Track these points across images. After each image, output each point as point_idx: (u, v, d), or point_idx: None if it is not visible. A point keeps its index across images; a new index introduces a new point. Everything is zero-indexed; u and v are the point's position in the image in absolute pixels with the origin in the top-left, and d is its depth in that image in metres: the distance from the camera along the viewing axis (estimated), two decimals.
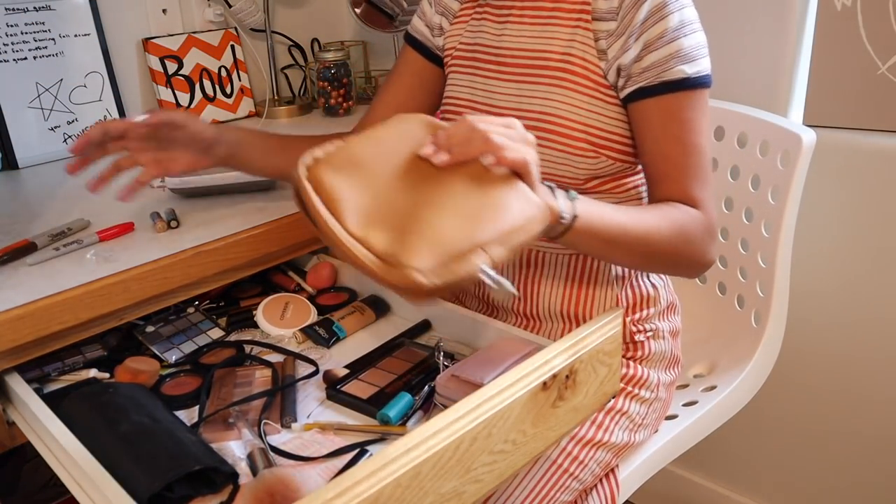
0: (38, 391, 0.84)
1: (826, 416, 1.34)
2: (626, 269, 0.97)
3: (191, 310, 1.05)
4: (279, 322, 1.00)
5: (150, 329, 0.99)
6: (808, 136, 1.09)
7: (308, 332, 0.97)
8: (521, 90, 0.92)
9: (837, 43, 1.16)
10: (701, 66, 0.84)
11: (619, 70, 0.86)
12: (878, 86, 1.14)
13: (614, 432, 0.95)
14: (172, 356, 0.94)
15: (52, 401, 0.78)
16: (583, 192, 0.91)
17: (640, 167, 0.93)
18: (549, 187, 0.74)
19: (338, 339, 0.97)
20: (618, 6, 0.85)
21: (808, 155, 1.09)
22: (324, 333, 0.97)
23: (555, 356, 0.71)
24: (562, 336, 0.96)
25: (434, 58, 1.04)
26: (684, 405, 1.10)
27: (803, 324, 1.30)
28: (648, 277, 1.00)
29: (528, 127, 0.89)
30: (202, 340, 0.98)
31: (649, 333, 0.99)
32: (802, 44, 1.21)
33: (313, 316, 1.02)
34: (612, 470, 0.98)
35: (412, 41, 1.05)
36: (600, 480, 0.97)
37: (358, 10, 1.62)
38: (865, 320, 1.25)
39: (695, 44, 0.84)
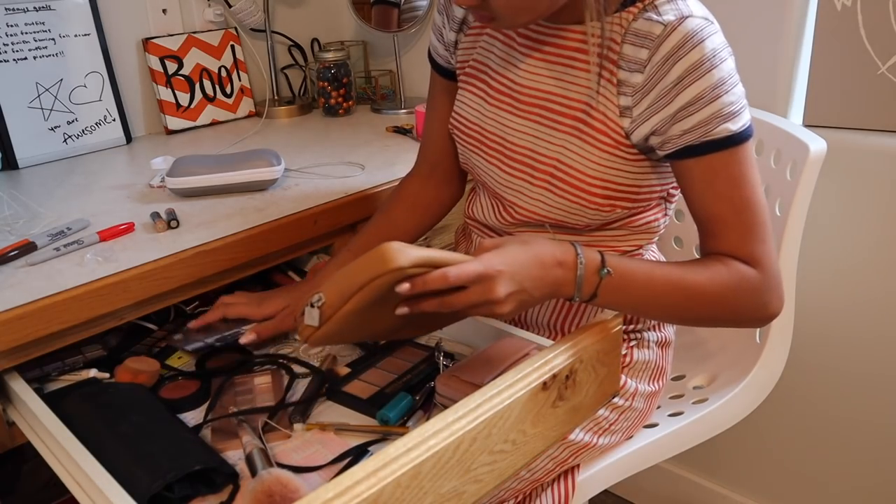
0: (38, 391, 0.84)
1: (829, 420, 1.34)
2: None
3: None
4: None
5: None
6: (817, 146, 1.02)
7: None
8: (536, 131, 0.88)
9: (837, 43, 1.16)
10: (744, 118, 0.78)
11: (647, 136, 0.81)
12: (878, 86, 1.14)
13: (574, 430, 0.92)
14: (193, 345, 0.95)
15: (52, 401, 0.78)
16: (593, 230, 0.90)
17: (653, 203, 0.90)
18: (580, 262, 0.74)
19: None
20: (646, 59, 0.78)
21: (816, 168, 1.03)
22: None
23: (555, 356, 0.71)
24: None
25: (455, 76, 1.01)
26: (670, 415, 1.06)
27: (807, 327, 1.29)
28: None
29: (542, 172, 0.87)
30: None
31: (633, 343, 0.98)
32: (802, 44, 1.21)
33: None
34: (572, 470, 0.95)
35: (435, 65, 1.03)
36: (557, 479, 0.95)
37: (372, 14, 1.62)
38: (866, 320, 1.25)
39: (736, 98, 0.78)
